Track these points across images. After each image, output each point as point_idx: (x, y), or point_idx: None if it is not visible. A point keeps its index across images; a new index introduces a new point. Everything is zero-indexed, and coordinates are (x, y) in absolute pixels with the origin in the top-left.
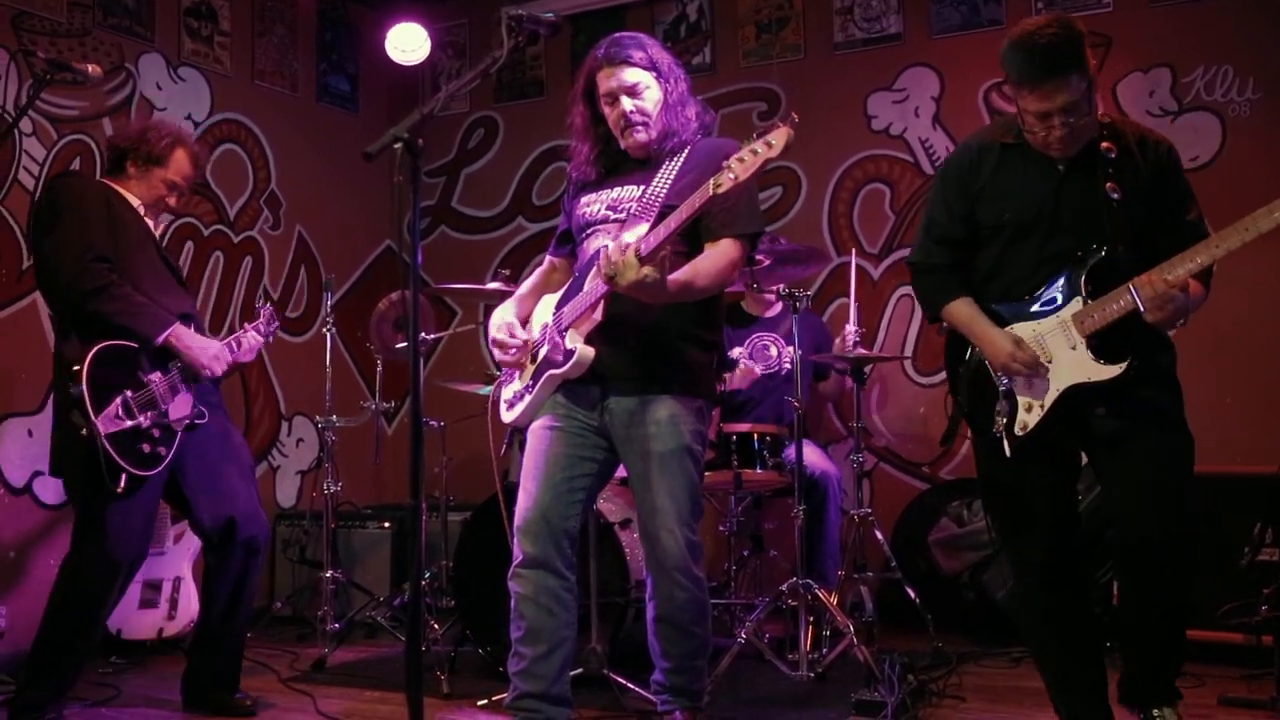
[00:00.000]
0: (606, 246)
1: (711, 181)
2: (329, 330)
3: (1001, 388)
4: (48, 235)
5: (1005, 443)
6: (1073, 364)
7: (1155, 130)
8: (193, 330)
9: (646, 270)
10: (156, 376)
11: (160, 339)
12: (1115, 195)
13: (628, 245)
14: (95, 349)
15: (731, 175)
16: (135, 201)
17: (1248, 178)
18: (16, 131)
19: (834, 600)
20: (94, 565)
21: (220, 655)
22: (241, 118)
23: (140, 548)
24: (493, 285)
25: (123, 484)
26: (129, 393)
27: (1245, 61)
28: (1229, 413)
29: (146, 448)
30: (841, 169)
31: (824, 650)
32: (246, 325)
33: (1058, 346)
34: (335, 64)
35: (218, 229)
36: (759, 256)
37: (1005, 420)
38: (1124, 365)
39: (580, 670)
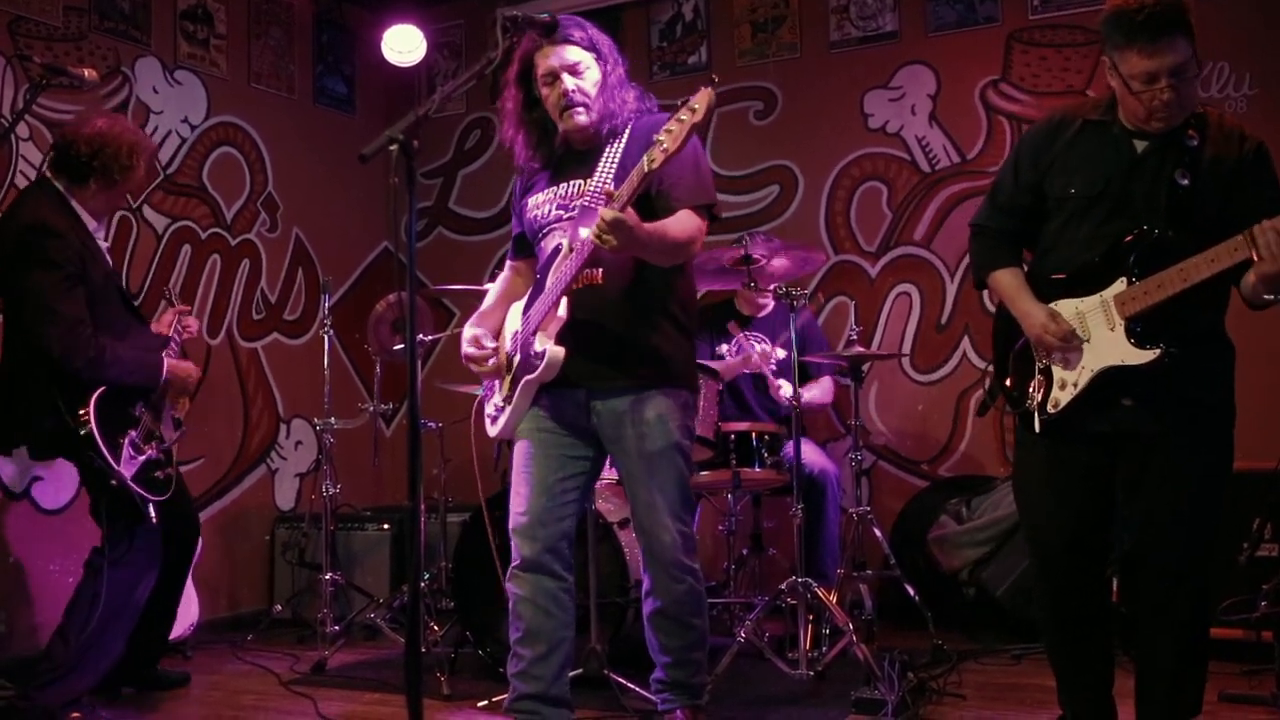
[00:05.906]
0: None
1: (645, 158)
2: (327, 332)
3: (1040, 364)
4: (34, 294)
5: (1035, 418)
6: (1109, 345)
7: (1245, 126)
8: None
9: (621, 215)
10: (142, 408)
11: (162, 382)
12: (1183, 181)
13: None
14: (94, 399)
15: (663, 148)
16: (92, 224)
17: None
18: (13, 136)
19: (833, 598)
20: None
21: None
22: (238, 121)
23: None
24: (490, 286)
25: (153, 514)
26: (132, 432)
27: (1241, 57)
28: None
29: (160, 475)
30: (838, 167)
31: (823, 649)
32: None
33: (1097, 326)
34: (332, 66)
35: (215, 232)
36: (757, 255)
37: (1040, 396)
38: (1158, 352)
39: (580, 670)
